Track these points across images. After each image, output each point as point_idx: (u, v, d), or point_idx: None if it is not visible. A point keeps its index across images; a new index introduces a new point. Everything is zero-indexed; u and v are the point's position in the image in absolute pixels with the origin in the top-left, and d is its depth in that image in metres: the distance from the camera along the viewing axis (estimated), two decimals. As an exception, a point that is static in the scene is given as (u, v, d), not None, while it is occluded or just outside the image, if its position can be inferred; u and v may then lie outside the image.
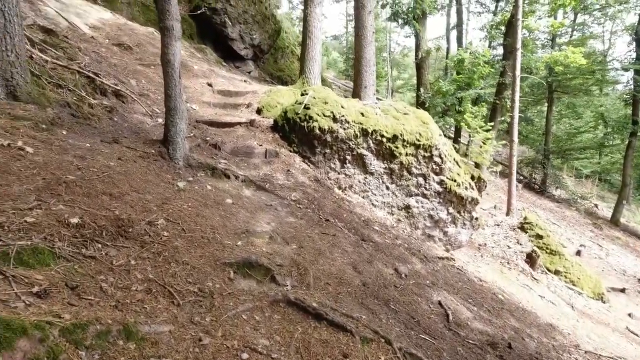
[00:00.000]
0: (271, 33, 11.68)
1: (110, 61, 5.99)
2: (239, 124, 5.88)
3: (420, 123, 6.07)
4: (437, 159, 6.07)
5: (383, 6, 15.24)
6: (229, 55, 10.76)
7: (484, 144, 10.63)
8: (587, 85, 18.01)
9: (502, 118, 14.38)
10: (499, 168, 11.85)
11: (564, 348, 4.03)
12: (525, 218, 9.18)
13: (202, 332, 1.91)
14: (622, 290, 8.75)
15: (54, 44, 5.14)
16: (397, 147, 5.79)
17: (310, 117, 5.48)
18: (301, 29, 10.14)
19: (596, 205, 17.76)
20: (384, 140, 5.72)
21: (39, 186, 2.49)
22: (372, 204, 5.88)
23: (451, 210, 6.53)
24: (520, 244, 8.44)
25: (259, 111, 6.50)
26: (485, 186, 7.58)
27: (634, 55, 15.92)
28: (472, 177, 6.92)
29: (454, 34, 20.64)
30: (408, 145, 5.85)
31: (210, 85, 7.20)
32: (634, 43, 15.92)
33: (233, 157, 5.02)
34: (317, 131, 5.46)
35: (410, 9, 14.01)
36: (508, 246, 8.25)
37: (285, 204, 4.26)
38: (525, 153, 20.36)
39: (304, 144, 5.63)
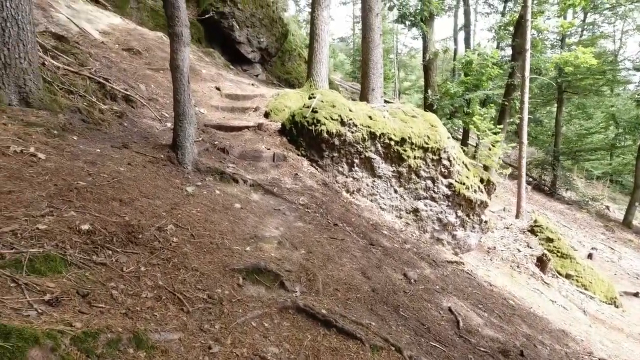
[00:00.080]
0: (278, 36, 11.72)
1: (120, 66, 6.05)
2: (247, 127, 5.90)
3: (428, 126, 6.03)
4: (445, 162, 6.02)
5: (390, 8, 15.23)
6: (236, 59, 10.82)
7: (493, 146, 10.53)
8: (597, 86, 17.76)
9: (511, 119, 14.25)
10: (509, 170, 11.74)
11: (577, 355, 3.96)
12: (535, 221, 9.07)
13: (212, 339, 1.91)
14: (636, 295, 8.59)
15: (65, 50, 5.21)
16: (405, 150, 5.76)
17: (318, 121, 5.48)
18: (308, 31, 10.16)
19: (607, 207, 17.50)
20: (392, 143, 5.69)
21: (50, 192, 2.52)
22: (381, 208, 5.86)
23: (460, 213, 6.47)
24: (531, 247, 8.34)
25: (266, 115, 6.52)
26: (495, 189, 7.51)
27: (645, 54, 15.66)
28: (481, 180, 6.85)
29: (461, 35, 20.52)
30: (416, 149, 5.82)
31: (218, 89, 7.24)
32: (646, 42, 15.66)
33: (241, 161, 5.03)
34: (325, 135, 5.46)
35: (417, 11, 13.97)
36: (518, 249, 8.15)
37: (294, 208, 4.26)
38: (535, 154, 20.14)
39: (311, 148, 5.62)
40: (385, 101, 9.89)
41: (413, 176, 5.94)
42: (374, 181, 5.81)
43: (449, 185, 6.16)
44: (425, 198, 6.13)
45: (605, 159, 22.05)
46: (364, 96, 8.51)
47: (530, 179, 17.68)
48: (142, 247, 2.40)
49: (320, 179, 5.31)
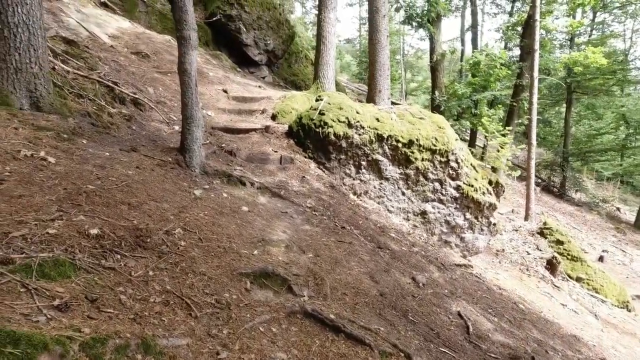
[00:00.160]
0: (285, 38, 11.74)
1: (128, 69, 6.10)
2: (254, 130, 5.91)
3: (436, 128, 5.99)
4: (453, 164, 5.97)
5: (397, 9, 15.19)
6: (243, 61, 10.86)
7: (502, 147, 10.43)
8: (607, 86, 17.53)
9: (519, 120, 14.12)
10: (518, 172, 11.62)
11: (590, 361, 3.89)
12: (544, 223, 8.95)
13: (220, 345, 1.90)
14: (649, 299, 8.43)
15: (75, 54, 5.27)
16: (412, 153, 5.72)
17: (325, 123, 5.47)
18: (314, 33, 10.17)
19: (618, 209, 17.25)
20: (400, 145, 5.66)
21: (60, 196, 2.54)
22: (388, 210, 5.82)
23: (468, 215, 6.41)
24: (540, 250, 8.23)
25: (273, 117, 6.52)
26: (504, 191, 7.43)
27: (657, 54, 15.43)
28: (490, 182, 6.78)
29: (468, 35, 20.41)
30: (424, 151, 5.78)
31: (225, 91, 7.26)
32: (657, 42, 15.44)
33: (248, 163, 5.04)
34: (332, 137, 5.44)
35: (424, 12, 13.91)
36: (527, 252, 8.05)
37: (301, 211, 4.25)
38: (543, 155, 19.93)
39: (318, 150, 5.61)
40: (393, 102, 9.84)
41: (421, 178, 5.90)
42: (381, 183, 5.78)
43: (457, 188, 6.10)
44: (433, 200, 6.09)
45: (616, 160, 21.71)
46: (370, 98, 8.49)
47: (539, 181, 17.50)
48: (150, 251, 2.41)
49: (327, 182, 5.30)
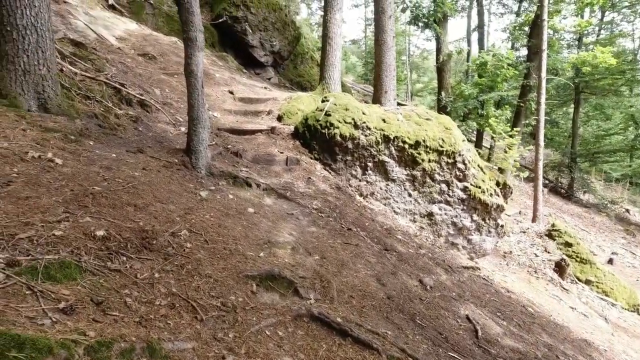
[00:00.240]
0: (291, 39, 11.74)
1: (135, 71, 6.13)
2: (260, 131, 5.90)
3: (443, 129, 5.94)
4: (460, 165, 5.92)
5: (403, 10, 15.14)
6: (249, 62, 10.87)
7: (510, 149, 10.33)
8: (616, 86, 17.29)
9: (527, 121, 13.99)
10: (525, 174, 11.51)
11: (601, 366, 3.82)
12: (553, 225, 8.85)
13: (226, 349, 1.88)
14: (660, 302, 8.27)
15: (83, 56, 5.30)
16: (419, 154, 5.68)
17: (331, 124, 5.44)
18: (320, 34, 10.16)
19: (628, 211, 16.99)
20: (406, 146, 5.62)
21: (67, 198, 2.53)
22: (394, 212, 5.78)
23: (475, 217, 6.34)
24: (548, 252, 8.13)
25: (279, 118, 6.51)
26: (511, 192, 7.34)
27: (667, 53, 15.23)
28: (497, 184, 6.71)
29: (475, 36, 20.29)
30: (431, 152, 5.73)
31: (231, 92, 7.27)
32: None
33: (254, 165, 5.03)
34: (338, 138, 5.41)
35: (430, 12, 13.84)
36: (535, 254, 7.96)
37: (307, 212, 4.22)
38: (551, 156, 19.72)
39: (324, 151, 5.59)
40: (398, 103, 9.80)
41: (427, 180, 5.85)
42: (387, 185, 5.74)
43: (464, 189, 6.04)
44: (440, 202, 6.03)
45: (625, 161, 21.41)
46: (376, 99, 8.45)
47: (547, 182, 17.31)
48: (156, 253, 2.39)
49: (333, 183, 5.27)
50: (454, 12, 15.55)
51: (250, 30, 10.45)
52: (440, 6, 13.57)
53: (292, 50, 12.12)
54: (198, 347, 1.81)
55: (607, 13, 18.50)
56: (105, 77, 5.16)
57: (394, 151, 5.64)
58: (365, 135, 5.50)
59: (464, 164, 5.92)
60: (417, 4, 14.00)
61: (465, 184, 6.03)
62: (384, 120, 5.67)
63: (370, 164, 5.61)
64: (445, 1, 13.60)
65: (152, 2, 9.43)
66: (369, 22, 27.63)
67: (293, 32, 11.83)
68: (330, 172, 5.52)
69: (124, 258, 2.22)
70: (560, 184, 17.87)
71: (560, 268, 7.44)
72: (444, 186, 5.96)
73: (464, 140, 6.08)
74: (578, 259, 8.06)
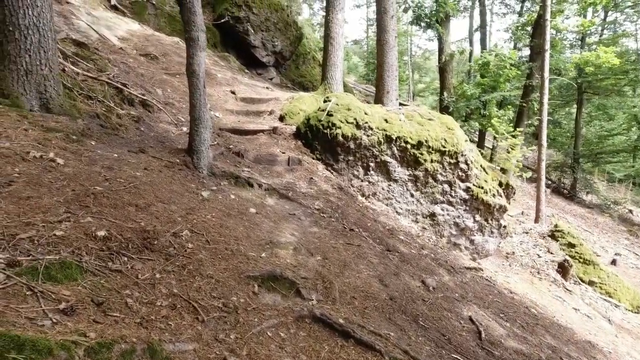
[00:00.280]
0: (293, 40, 11.73)
1: (137, 71, 6.13)
2: (262, 131, 5.89)
3: (445, 129, 5.91)
4: (463, 166, 5.89)
5: (405, 10, 15.12)
6: (251, 63, 10.87)
7: (512, 149, 10.29)
8: (619, 86, 17.21)
9: (529, 121, 13.94)
10: (528, 174, 11.45)
11: (605, 368, 3.79)
12: (555, 225, 8.81)
13: (227, 350, 1.86)
14: (664, 303, 8.21)
15: (85, 56, 5.30)
16: (421, 154, 5.65)
17: (333, 124, 5.42)
18: (322, 35, 10.14)
19: (631, 211, 16.90)
20: (409, 146, 5.60)
21: (68, 198, 2.52)
22: (397, 212, 5.76)
23: (478, 218, 6.31)
24: (551, 253, 8.09)
25: (281, 118, 6.50)
26: (514, 193, 7.31)
27: (670, 53, 15.15)
28: (500, 184, 6.67)
29: (477, 36, 20.25)
30: (433, 152, 5.70)
31: (233, 92, 7.26)
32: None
33: (256, 165, 5.01)
34: (340, 138, 5.39)
35: (433, 12, 13.82)
36: (538, 255, 7.92)
37: (309, 212, 4.21)
38: (553, 156, 19.64)
39: (326, 151, 5.57)
40: (400, 104, 9.77)
41: (430, 180, 5.82)
42: (389, 185, 5.72)
43: (467, 189, 6.01)
44: (442, 202, 6.01)
45: (628, 161, 21.31)
46: (378, 99, 8.43)
47: (549, 182, 17.24)
48: (158, 253, 2.38)
49: (335, 183, 5.25)
50: (456, 12, 15.53)
51: (252, 31, 10.45)
52: (442, 6, 13.54)
53: (294, 51, 12.11)
54: (199, 348, 1.80)
55: (610, 13, 18.42)
56: (108, 77, 5.16)
57: (396, 151, 5.62)
58: (368, 136, 5.48)
59: (467, 164, 5.89)
60: (419, 4, 13.98)
61: (468, 184, 6.01)
62: (386, 120, 5.65)
63: (372, 164, 5.59)
64: (448, 1, 13.58)
65: (154, 2, 9.44)
66: (371, 22, 27.63)
67: (295, 33, 11.82)
68: (332, 173, 5.50)
69: (125, 258, 2.21)
70: (562, 185, 17.81)
71: (563, 269, 7.40)
72: (446, 186, 5.93)
73: (466, 141, 6.05)
74: (581, 260, 8.01)
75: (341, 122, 5.42)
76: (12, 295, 1.62)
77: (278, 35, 11.09)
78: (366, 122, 5.48)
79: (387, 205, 5.73)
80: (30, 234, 2.04)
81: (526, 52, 15.93)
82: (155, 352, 1.62)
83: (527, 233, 8.87)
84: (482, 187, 6.09)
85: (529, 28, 14.84)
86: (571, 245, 8.21)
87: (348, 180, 5.57)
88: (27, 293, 1.67)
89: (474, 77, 16.02)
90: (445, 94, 14.88)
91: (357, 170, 5.60)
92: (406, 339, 2.58)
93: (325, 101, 6.07)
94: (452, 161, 5.81)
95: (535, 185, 10.45)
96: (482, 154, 9.30)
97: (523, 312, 4.36)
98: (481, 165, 6.25)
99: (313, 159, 5.53)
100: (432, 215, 5.99)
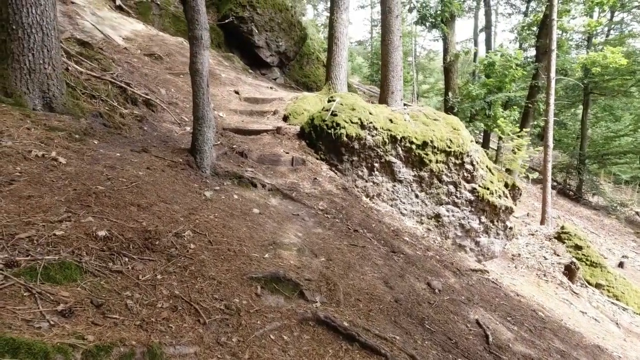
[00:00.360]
0: (297, 40, 11.70)
1: (141, 71, 6.11)
2: (266, 131, 5.85)
3: (450, 129, 5.85)
4: (468, 166, 5.82)
5: (410, 10, 15.06)
6: (255, 63, 10.85)
7: (518, 149, 10.20)
8: (626, 87, 17.04)
9: (535, 122, 13.83)
10: (534, 175, 11.35)
11: (615, 373, 3.71)
12: (562, 227, 8.70)
13: (229, 354, 1.82)
14: (673, 307, 8.08)
15: (89, 55, 5.29)
16: (427, 154, 5.59)
17: (338, 124, 5.37)
18: (326, 35, 10.11)
19: (637, 213, 16.71)
20: (413, 147, 5.54)
21: (69, 197, 2.49)
22: (401, 213, 5.70)
23: (484, 219, 6.24)
24: (558, 255, 7.98)
25: (285, 118, 6.46)
26: (520, 194, 7.22)
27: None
28: (506, 185, 6.60)
29: (482, 36, 20.15)
30: (438, 152, 5.64)
31: (237, 92, 7.23)
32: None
33: (259, 165, 4.97)
34: (345, 138, 5.34)
35: (438, 12, 13.74)
36: (544, 257, 7.82)
37: (313, 213, 4.16)
38: (559, 158, 19.48)
39: (331, 152, 5.52)
40: (405, 104, 9.71)
41: (435, 181, 5.76)
42: (394, 186, 5.66)
43: (472, 190, 5.95)
44: (448, 203, 5.94)
45: (635, 163, 21.08)
46: (383, 99, 8.37)
47: (555, 184, 17.09)
48: (159, 254, 2.34)
49: (339, 184, 5.20)
50: (461, 12, 15.45)
51: (257, 31, 10.43)
52: (447, 6, 13.47)
53: (298, 51, 12.08)
54: (200, 351, 1.75)
55: (616, 13, 18.25)
56: (111, 76, 5.14)
57: (400, 152, 5.56)
58: (372, 136, 5.43)
59: (472, 164, 5.82)
60: (424, 4, 13.92)
61: (474, 185, 5.94)
62: (390, 121, 5.59)
63: (376, 165, 5.54)
64: (453, 1, 13.50)
65: (158, 3, 9.44)
66: (375, 23, 27.56)
67: (299, 33, 11.79)
68: (336, 173, 5.45)
69: (126, 259, 2.17)
70: (568, 186, 17.65)
71: (570, 271, 7.30)
72: (451, 187, 5.87)
73: (472, 141, 5.99)
74: (588, 262, 7.91)
75: (345, 122, 5.37)
76: (9, 296, 1.59)
77: (282, 36, 11.06)
78: (371, 122, 5.42)
79: (391, 206, 5.67)
80: (30, 233, 2.01)
81: (531, 52, 15.84)
82: (155, 356, 1.58)
83: (533, 235, 8.77)
84: (488, 188, 6.02)
85: (534, 28, 14.73)
86: (578, 248, 8.11)
87: (352, 180, 5.52)
88: (25, 294, 1.63)
89: (479, 78, 15.93)
90: (450, 94, 14.80)
91: (362, 171, 5.55)
92: (412, 343, 2.52)
93: (329, 101, 6.03)
94: (458, 162, 5.75)
95: (541, 186, 10.34)
96: (486, 154, 9.21)
97: (530, 315, 4.29)
98: (487, 166, 6.18)
99: (317, 159, 5.49)
100: (437, 217, 5.93)
